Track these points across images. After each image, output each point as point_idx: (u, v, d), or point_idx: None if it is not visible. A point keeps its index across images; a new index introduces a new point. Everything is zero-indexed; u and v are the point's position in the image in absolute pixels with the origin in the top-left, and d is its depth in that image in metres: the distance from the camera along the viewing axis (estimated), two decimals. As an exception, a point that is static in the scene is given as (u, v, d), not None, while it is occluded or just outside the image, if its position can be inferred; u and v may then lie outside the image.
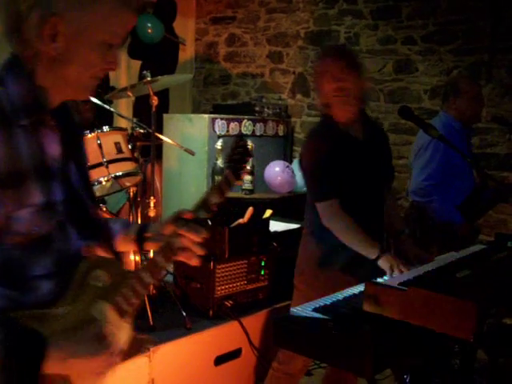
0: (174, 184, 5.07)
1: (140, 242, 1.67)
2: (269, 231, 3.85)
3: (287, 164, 5.11)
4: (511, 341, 3.02)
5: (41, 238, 1.36)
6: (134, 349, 1.62)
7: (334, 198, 2.60)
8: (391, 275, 2.39)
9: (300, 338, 1.87)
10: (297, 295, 2.86)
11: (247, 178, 4.87)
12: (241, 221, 3.66)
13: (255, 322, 3.56)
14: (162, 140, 3.89)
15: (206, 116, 4.97)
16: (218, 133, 4.93)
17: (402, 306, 1.77)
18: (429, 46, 5.04)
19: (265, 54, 6.15)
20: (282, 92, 6.03)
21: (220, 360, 3.38)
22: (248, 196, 4.87)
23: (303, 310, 1.92)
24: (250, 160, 1.73)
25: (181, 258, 1.58)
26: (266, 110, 5.50)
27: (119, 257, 1.62)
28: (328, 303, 2.00)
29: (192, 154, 3.88)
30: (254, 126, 5.23)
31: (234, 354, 3.47)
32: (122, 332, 1.51)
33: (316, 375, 3.75)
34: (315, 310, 1.91)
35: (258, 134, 5.26)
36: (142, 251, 1.64)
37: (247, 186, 4.88)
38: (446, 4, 4.92)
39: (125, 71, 5.95)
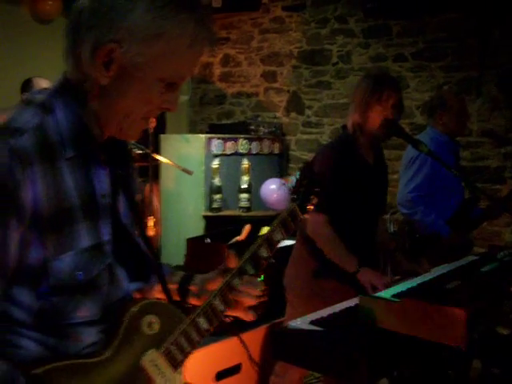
0: (172, 203, 5.13)
1: (182, 293, 1.49)
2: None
3: (283, 181, 5.17)
4: (505, 350, 3.07)
5: (83, 284, 1.21)
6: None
7: (325, 213, 2.67)
8: (370, 289, 2.47)
9: (298, 350, 1.92)
10: (290, 309, 2.91)
11: (243, 196, 4.93)
12: (238, 238, 3.71)
13: (254, 337, 3.59)
14: (159, 160, 3.95)
15: (203, 136, 5.04)
16: (214, 152, 4.99)
17: (395, 317, 1.83)
18: (419, 62, 5.13)
19: (259, 74, 6.23)
20: (277, 110, 6.11)
21: (221, 375, 3.42)
22: (245, 213, 4.93)
23: (301, 322, 1.98)
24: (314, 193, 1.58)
25: (234, 313, 1.46)
26: (261, 128, 5.58)
27: (172, 298, 1.44)
28: (325, 316, 2.06)
29: (190, 173, 3.96)
30: (249, 144, 5.30)
31: (234, 370, 3.51)
32: None
33: (314, 389, 3.80)
34: (312, 322, 1.97)
35: (253, 152, 5.32)
36: (183, 304, 1.47)
37: (244, 203, 4.94)
38: (434, 22, 5.02)
39: (121, 93, 6.02)
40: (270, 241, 1.48)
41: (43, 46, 5.36)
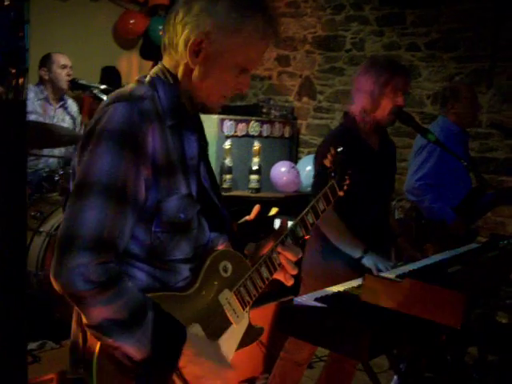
0: (183, 182, 5.19)
1: None
2: (274, 228, 3.97)
3: (293, 165, 5.21)
4: (503, 338, 3.15)
5: (183, 224, 1.50)
6: (250, 338, 1.76)
7: None
8: (376, 272, 2.54)
9: (302, 325, 2.01)
10: (303, 289, 2.99)
11: (254, 177, 5.00)
12: (247, 218, 3.79)
13: (262, 314, 3.66)
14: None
15: (215, 117, 5.06)
16: (226, 133, 5.02)
17: (397, 296, 1.91)
18: (432, 52, 5.17)
19: (273, 57, 6.27)
20: (289, 94, 6.15)
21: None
22: (254, 194, 4.99)
23: (306, 299, 2.06)
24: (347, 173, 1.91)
25: (277, 276, 1.73)
26: (272, 111, 5.58)
27: (240, 251, 1.73)
28: (329, 294, 2.14)
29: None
30: (261, 127, 5.32)
31: (240, 345, 3.60)
32: (242, 321, 1.66)
33: (317, 368, 3.86)
34: (317, 299, 2.05)
35: (264, 135, 5.35)
36: None
37: (254, 185, 5.01)
38: (449, 12, 5.04)
39: (136, 71, 6.11)
40: (314, 209, 1.79)
41: (62, 23, 5.42)
